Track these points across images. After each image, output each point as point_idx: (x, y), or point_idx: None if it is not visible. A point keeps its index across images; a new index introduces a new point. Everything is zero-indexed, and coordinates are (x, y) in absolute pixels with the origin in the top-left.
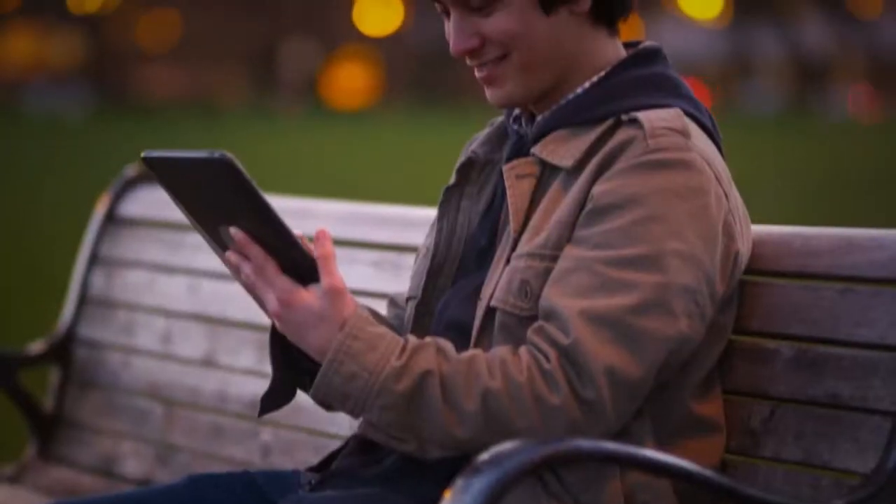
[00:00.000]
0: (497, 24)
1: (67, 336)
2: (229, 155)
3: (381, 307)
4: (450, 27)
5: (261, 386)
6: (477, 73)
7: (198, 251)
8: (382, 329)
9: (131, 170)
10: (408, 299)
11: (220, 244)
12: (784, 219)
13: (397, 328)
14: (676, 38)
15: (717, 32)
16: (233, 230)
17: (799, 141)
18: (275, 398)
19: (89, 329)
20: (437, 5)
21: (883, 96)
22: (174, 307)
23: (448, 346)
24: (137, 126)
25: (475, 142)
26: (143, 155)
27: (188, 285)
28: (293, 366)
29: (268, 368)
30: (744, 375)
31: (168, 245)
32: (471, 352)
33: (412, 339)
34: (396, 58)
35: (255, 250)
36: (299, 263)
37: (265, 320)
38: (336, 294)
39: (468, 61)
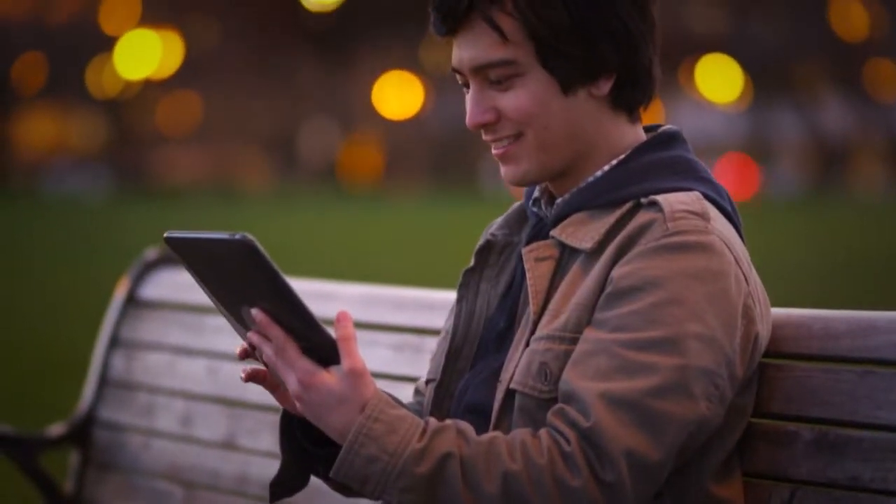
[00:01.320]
0: (514, 100)
1: (87, 418)
2: (250, 236)
3: (401, 390)
4: (468, 99)
5: None
6: (493, 150)
7: (218, 334)
8: (403, 411)
9: (151, 252)
10: (427, 381)
11: (242, 324)
12: (806, 302)
13: (418, 415)
14: (696, 121)
15: (737, 115)
16: (254, 311)
17: (821, 223)
18: (285, 484)
19: (109, 411)
20: (458, 77)
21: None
22: (194, 389)
23: (468, 428)
24: (157, 209)
25: (494, 225)
26: (165, 235)
27: (208, 368)
28: (304, 452)
29: None
30: (764, 458)
31: (188, 328)
32: (491, 434)
33: (432, 421)
34: (416, 140)
35: (276, 331)
36: (320, 345)
37: None
38: (357, 376)
39: (483, 136)
